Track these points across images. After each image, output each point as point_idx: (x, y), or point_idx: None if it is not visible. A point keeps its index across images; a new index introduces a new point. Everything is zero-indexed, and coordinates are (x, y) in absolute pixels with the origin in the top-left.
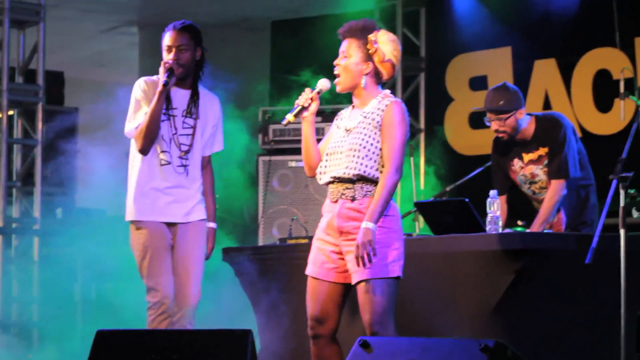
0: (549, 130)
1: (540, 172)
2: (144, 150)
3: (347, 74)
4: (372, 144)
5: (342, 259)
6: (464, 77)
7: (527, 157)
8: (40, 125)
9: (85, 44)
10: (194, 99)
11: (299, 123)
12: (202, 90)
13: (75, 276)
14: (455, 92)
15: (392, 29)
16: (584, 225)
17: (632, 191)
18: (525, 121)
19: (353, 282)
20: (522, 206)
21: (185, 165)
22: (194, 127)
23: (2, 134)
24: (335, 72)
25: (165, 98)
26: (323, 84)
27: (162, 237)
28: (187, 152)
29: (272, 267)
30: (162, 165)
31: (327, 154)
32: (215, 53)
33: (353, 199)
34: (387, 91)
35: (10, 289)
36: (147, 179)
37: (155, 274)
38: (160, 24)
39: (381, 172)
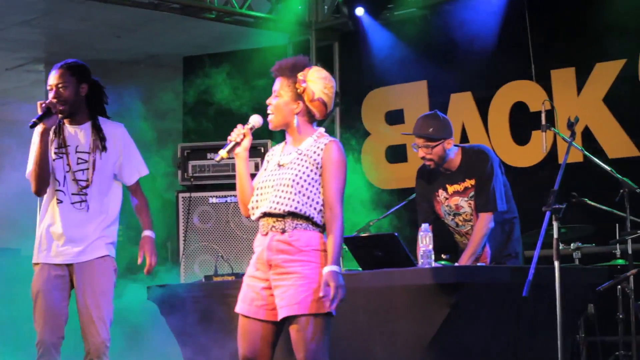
0: (476, 162)
1: (465, 204)
2: (37, 192)
3: (278, 113)
4: (305, 180)
5: (272, 295)
6: (380, 111)
7: (451, 188)
8: None
9: None
10: (94, 132)
11: (223, 161)
12: (104, 122)
13: None
14: (372, 126)
15: None
16: (509, 257)
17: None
18: (453, 152)
19: (279, 317)
20: (444, 239)
21: (83, 202)
22: (91, 162)
23: None
24: (268, 110)
25: (58, 136)
26: (255, 120)
27: (48, 280)
28: (85, 187)
29: (200, 305)
30: (57, 204)
31: (257, 189)
32: (124, 90)
33: (283, 231)
34: (322, 129)
35: None
36: (45, 219)
37: (35, 317)
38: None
39: (326, 214)
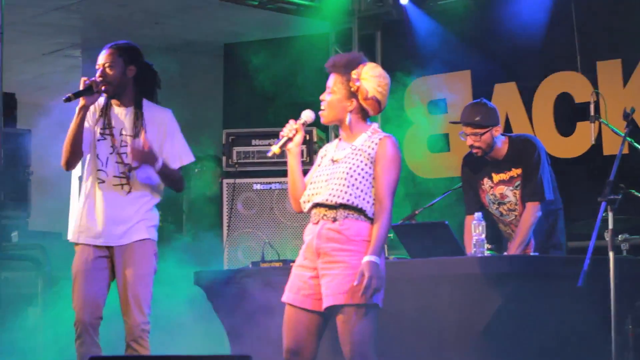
0: (523, 151)
1: (510, 193)
2: (66, 165)
3: (331, 110)
4: (359, 174)
5: (319, 284)
6: (422, 100)
7: (497, 177)
8: None
9: (27, 66)
10: (137, 116)
11: (263, 147)
12: (150, 106)
13: (36, 301)
14: (414, 115)
15: (348, 52)
16: (553, 248)
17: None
18: (500, 140)
19: (324, 306)
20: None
21: (125, 184)
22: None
23: None
24: (321, 106)
25: (104, 117)
26: (308, 115)
27: (87, 261)
28: (128, 169)
29: (247, 291)
30: (98, 184)
31: (311, 183)
32: (163, 76)
33: (334, 220)
34: (376, 125)
35: None
36: (84, 199)
37: (75, 297)
38: (103, 46)
39: (375, 206)
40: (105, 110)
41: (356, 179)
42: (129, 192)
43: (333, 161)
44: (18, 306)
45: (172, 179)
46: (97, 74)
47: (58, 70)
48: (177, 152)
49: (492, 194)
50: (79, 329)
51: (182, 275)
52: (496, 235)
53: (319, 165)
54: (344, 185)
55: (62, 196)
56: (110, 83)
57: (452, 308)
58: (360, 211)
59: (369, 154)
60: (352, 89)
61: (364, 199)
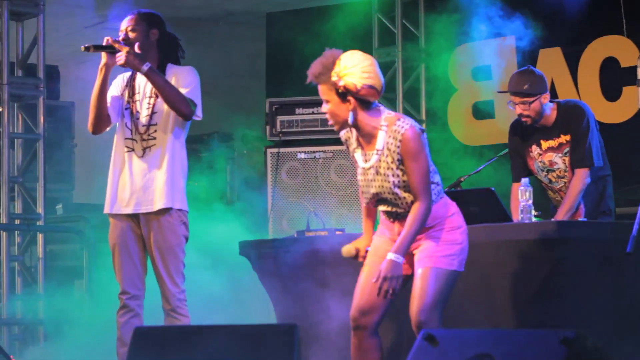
0: (572, 117)
1: (559, 160)
2: (92, 128)
3: (335, 118)
4: (401, 180)
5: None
6: (467, 67)
7: (546, 144)
8: (42, 119)
9: (69, 39)
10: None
11: (307, 115)
12: (171, 68)
13: (81, 273)
14: (458, 82)
15: (391, 19)
16: (603, 214)
17: None
18: (548, 107)
19: (416, 268)
20: (535, 195)
21: (149, 148)
22: (153, 106)
23: (3, 129)
24: (328, 119)
25: (130, 84)
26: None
27: (122, 231)
28: (151, 133)
29: (292, 260)
30: (126, 152)
31: (361, 187)
32: (205, 47)
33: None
34: (386, 113)
35: (14, 287)
36: (116, 168)
37: (116, 270)
38: None
39: (434, 188)
40: (131, 78)
41: (402, 187)
42: (155, 158)
43: (367, 169)
44: (64, 279)
45: (170, 92)
46: (120, 38)
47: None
48: (182, 83)
49: (540, 161)
50: (122, 300)
51: (227, 244)
52: (544, 202)
53: (352, 157)
54: (397, 197)
55: (106, 168)
56: (131, 44)
57: (501, 274)
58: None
59: (395, 157)
60: (340, 91)
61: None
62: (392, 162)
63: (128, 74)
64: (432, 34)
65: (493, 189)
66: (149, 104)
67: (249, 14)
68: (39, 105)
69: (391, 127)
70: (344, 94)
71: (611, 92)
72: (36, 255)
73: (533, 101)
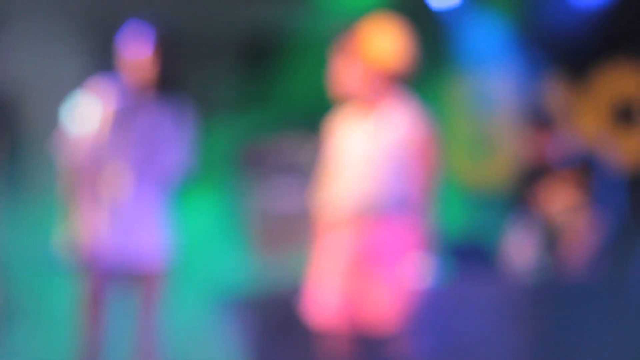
0: (590, 163)
1: (570, 203)
2: None
3: (350, 88)
4: (395, 176)
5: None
6: (468, 97)
7: (557, 185)
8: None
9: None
10: None
11: None
12: None
13: None
14: (458, 112)
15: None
16: None
17: None
18: (568, 140)
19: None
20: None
21: None
22: None
23: None
24: (341, 90)
25: None
26: None
27: None
28: None
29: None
30: None
31: (341, 167)
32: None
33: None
34: (399, 92)
35: None
36: None
37: None
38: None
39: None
40: None
41: (391, 181)
42: None
43: (361, 149)
44: None
45: None
46: None
47: None
48: None
49: (552, 204)
50: None
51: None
52: (552, 243)
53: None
54: (384, 181)
55: None
56: None
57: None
58: (400, 212)
59: (402, 152)
60: (361, 61)
61: (401, 199)
62: (393, 145)
63: None
64: (428, 64)
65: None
66: None
67: None
68: None
69: (399, 110)
70: (365, 66)
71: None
72: None
73: (546, 136)
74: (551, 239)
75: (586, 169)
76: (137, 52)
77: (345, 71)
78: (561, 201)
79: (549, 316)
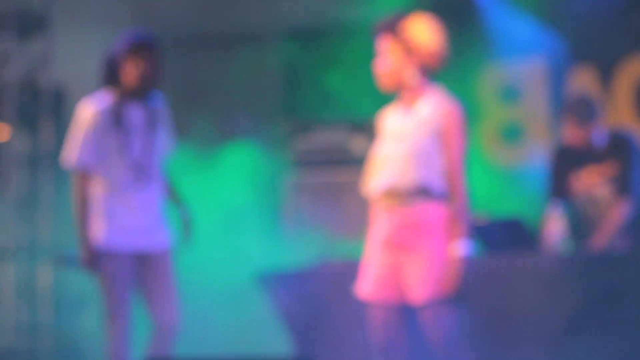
0: (623, 146)
1: (604, 187)
2: None
3: (390, 74)
4: (427, 150)
5: (399, 275)
6: (496, 87)
7: (593, 170)
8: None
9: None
10: None
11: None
12: None
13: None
14: (487, 103)
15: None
16: None
17: None
18: (601, 134)
19: (412, 299)
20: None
21: None
22: None
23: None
24: (378, 72)
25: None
26: None
27: None
28: None
29: (313, 288)
30: None
31: (377, 162)
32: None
33: (408, 207)
34: (437, 88)
35: (23, 314)
36: None
37: None
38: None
39: (449, 182)
40: None
41: (425, 157)
42: None
43: (397, 135)
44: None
45: None
46: None
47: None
48: None
49: (585, 188)
50: None
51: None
52: (583, 227)
53: (381, 140)
54: (413, 164)
55: None
56: None
57: (530, 307)
58: (433, 192)
59: (435, 126)
60: (408, 45)
61: (433, 178)
62: (428, 131)
63: None
64: (458, 54)
65: (521, 220)
66: None
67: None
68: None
69: (437, 101)
70: (409, 50)
71: None
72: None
73: (588, 127)
74: (585, 218)
75: (618, 151)
76: (128, 53)
77: (388, 62)
78: (594, 181)
79: (585, 289)
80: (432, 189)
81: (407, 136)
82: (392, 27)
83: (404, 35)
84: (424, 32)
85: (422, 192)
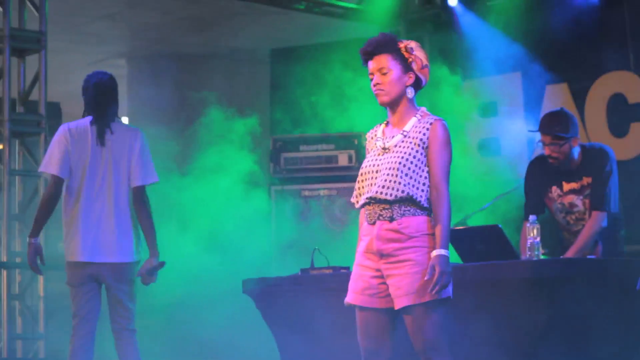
0: (597, 161)
1: (579, 202)
2: None
3: (392, 88)
4: (412, 162)
5: (384, 283)
6: (473, 103)
7: (568, 186)
8: (43, 156)
9: (72, 76)
10: None
11: (316, 153)
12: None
13: None
14: (464, 118)
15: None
16: (619, 256)
17: None
18: (576, 151)
19: (397, 307)
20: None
21: None
22: None
23: (4, 166)
24: (379, 89)
25: None
26: None
27: None
28: None
29: (297, 298)
30: None
31: (361, 174)
32: (207, 84)
33: (391, 219)
34: (424, 108)
35: (14, 326)
36: None
37: None
38: (148, 55)
39: (432, 194)
40: None
41: (409, 168)
42: None
43: (384, 149)
44: (65, 318)
45: None
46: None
47: None
48: None
49: (560, 203)
50: None
51: (230, 282)
52: (553, 241)
53: (368, 153)
54: (397, 176)
55: None
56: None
57: (507, 313)
58: (416, 203)
59: (421, 139)
60: (409, 60)
61: (418, 189)
62: (413, 145)
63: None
64: (437, 70)
65: (500, 226)
66: None
67: (253, 51)
68: (40, 142)
69: (424, 117)
70: (409, 66)
71: (619, 128)
72: (37, 294)
73: (564, 143)
74: (559, 232)
75: (592, 166)
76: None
77: (389, 79)
78: (569, 196)
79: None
80: (417, 201)
81: (393, 148)
82: (390, 45)
83: (408, 50)
84: (419, 51)
85: (405, 203)
